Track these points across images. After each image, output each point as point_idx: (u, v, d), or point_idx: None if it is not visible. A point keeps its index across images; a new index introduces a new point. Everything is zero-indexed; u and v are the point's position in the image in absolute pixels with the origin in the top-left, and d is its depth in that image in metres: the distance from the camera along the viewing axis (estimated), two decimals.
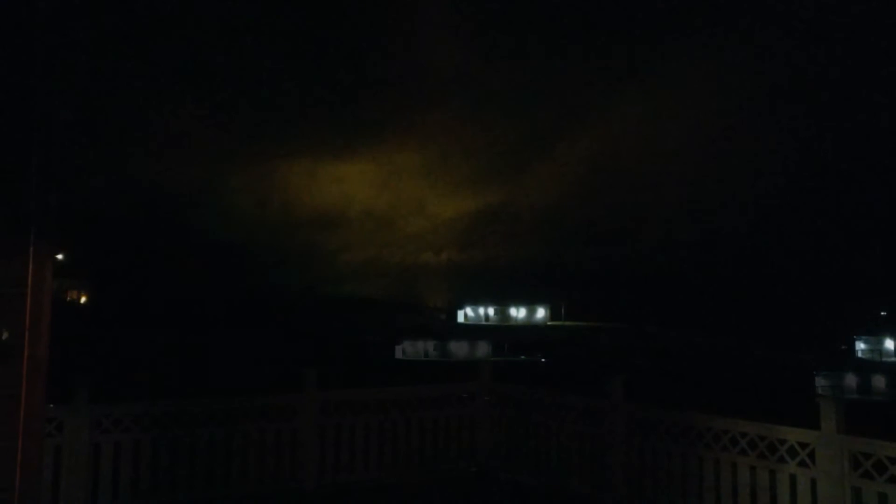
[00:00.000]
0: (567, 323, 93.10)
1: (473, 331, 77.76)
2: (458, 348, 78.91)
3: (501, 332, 73.11)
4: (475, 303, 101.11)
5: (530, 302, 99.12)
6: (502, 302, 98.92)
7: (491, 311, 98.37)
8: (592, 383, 7.21)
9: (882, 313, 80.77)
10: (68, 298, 77.46)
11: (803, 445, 5.24)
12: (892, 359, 65.69)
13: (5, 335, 2.19)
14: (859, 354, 69.47)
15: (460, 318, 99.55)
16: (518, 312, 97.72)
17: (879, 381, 46.03)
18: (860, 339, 71.93)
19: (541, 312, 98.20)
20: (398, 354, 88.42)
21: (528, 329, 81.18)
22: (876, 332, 71.73)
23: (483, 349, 75.58)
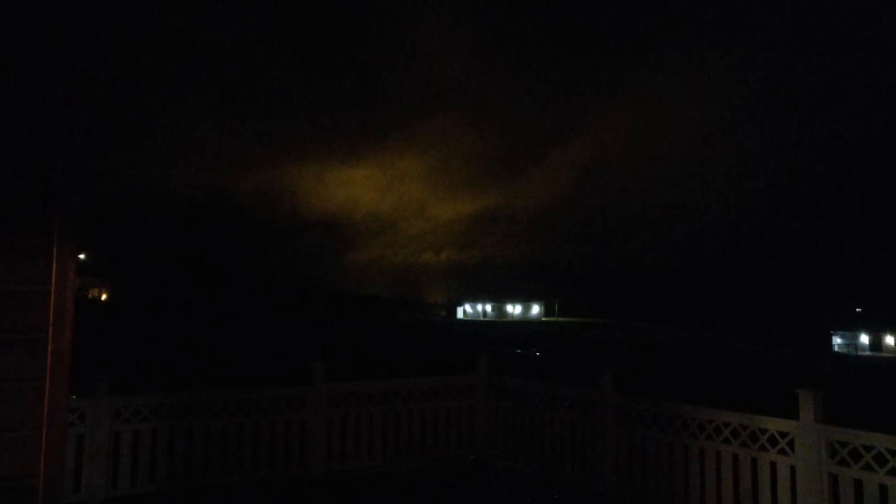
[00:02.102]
0: (560, 318, 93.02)
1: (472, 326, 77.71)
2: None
3: (498, 328, 73.05)
4: (473, 299, 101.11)
5: (526, 299, 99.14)
6: (499, 299, 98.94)
7: (488, 307, 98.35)
8: (584, 376, 7.21)
9: (857, 310, 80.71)
10: (90, 296, 77.48)
11: (783, 434, 5.25)
12: (867, 352, 65.74)
13: None
14: (836, 349, 69.49)
15: (459, 314, 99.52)
16: (514, 309, 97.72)
17: None
18: (837, 334, 71.93)
19: (535, 309, 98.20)
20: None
21: (524, 324, 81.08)
22: (852, 327, 71.74)
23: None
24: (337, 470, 7.08)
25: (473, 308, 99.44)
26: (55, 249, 2.30)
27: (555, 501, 6.48)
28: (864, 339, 69.06)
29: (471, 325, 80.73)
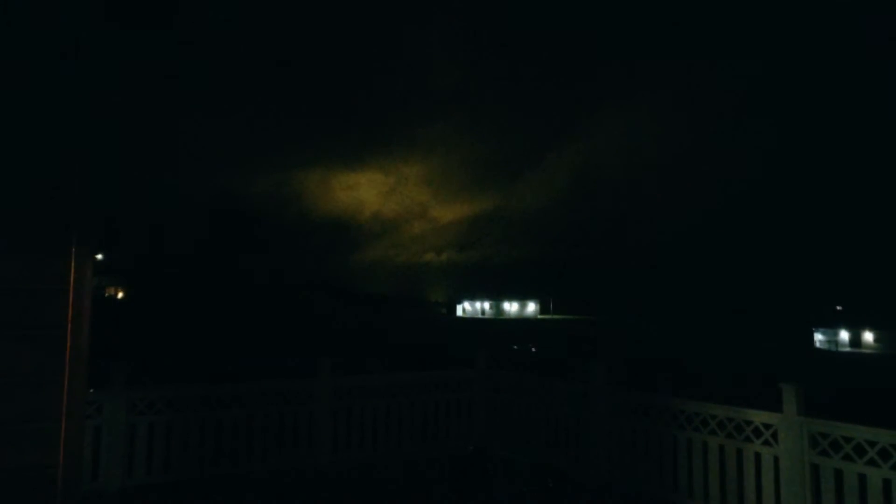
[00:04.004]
0: (555, 316, 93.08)
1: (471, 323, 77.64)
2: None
3: (496, 325, 73.04)
4: (472, 298, 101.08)
5: (522, 297, 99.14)
6: (497, 297, 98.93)
7: (487, 305, 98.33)
8: (577, 370, 7.21)
9: (838, 308, 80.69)
10: (107, 294, 77.56)
11: (767, 426, 5.25)
12: (847, 349, 65.73)
13: None
14: (817, 345, 69.46)
15: (459, 311, 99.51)
16: (511, 306, 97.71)
17: None
18: (818, 331, 71.90)
19: (532, 306, 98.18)
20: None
21: (521, 321, 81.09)
22: (833, 324, 71.70)
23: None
24: (342, 460, 7.08)
25: (472, 306, 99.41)
26: (74, 250, 2.30)
27: (550, 490, 6.48)
28: (845, 335, 69.05)
29: (470, 322, 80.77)
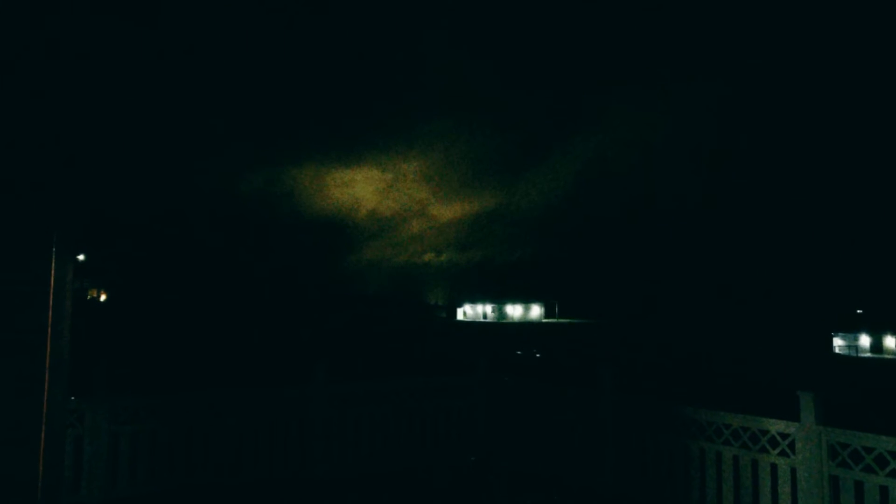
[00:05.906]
0: (561, 320, 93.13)
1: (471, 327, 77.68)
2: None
3: (498, 329, 73.04)
4: (474, 301, 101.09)
5: (526, 300, 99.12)
6: (499, 300, 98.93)
7: (489, 308, 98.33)
8: (584, 376, 7.21)
9: (858, 311, 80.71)
10: (89, 297, 77.59)
11: (784, 436, 5.25)
12: (868, 354, 65.71)
13: None
14: (836, 350, 69.45)
15: (459, 315, 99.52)
16: (514, 310, 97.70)
17: None
18: (837, 336, 71.86)
19: (536, 310, 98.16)
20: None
21: (524, 325, 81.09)
22: (853, 328, 71.64)
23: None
24: (337, 470, 7.08)
25: (473, 309, 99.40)
26: (54, 251, 2.30)
27: (555, 502, 6.48)
28: (865, 340, 69.01)
29: (471, 326, 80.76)
